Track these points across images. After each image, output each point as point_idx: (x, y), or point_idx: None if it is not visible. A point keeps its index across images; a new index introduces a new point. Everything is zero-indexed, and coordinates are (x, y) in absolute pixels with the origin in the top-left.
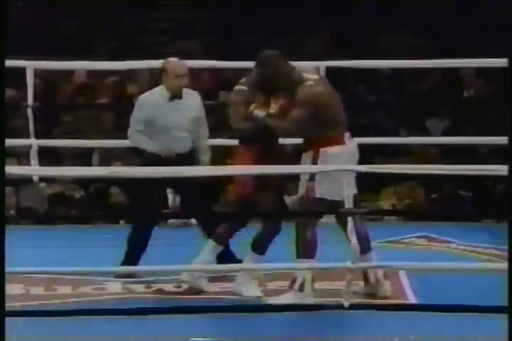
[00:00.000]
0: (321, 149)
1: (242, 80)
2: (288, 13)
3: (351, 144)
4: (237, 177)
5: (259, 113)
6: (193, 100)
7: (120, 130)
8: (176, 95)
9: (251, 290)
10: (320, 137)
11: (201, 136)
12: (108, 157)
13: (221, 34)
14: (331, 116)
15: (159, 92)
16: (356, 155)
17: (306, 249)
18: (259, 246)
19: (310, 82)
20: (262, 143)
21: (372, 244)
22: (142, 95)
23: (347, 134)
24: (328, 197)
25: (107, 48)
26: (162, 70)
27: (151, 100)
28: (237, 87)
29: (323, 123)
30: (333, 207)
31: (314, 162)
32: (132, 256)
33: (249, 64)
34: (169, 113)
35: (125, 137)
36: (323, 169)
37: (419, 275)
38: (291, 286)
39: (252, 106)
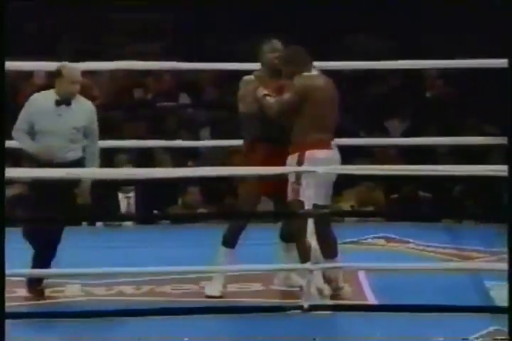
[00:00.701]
0: (307, 152)
1: (255, 72)
2: (248, 14)
3: (336, 151)
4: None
5: (260, 92)
6: (82, 109)
7: None
8: (64, 101)
9: (211, 290)
10: (307, 138)
11: (87, 147)
12: None
13: (182, 36)
14: (319, 114)
15: (48, 95)
16: (338, 163)
17: (330, 249)
18: (229, 241)
19: (310, 74)
20: (272, 141)
21: None
22: (34, 95)
23: (333, 142)
24: (313, 201)
25: (67, 49)
26: (57, 74)
27: (38, 102)
28: (246, 77)
29: (311, 120)
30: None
31: (299, 164)
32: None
33: (210, 65)
34: (51, 118)
35: None
36: (267, 171)
37: (379, 275)
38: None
39: (259, 89)
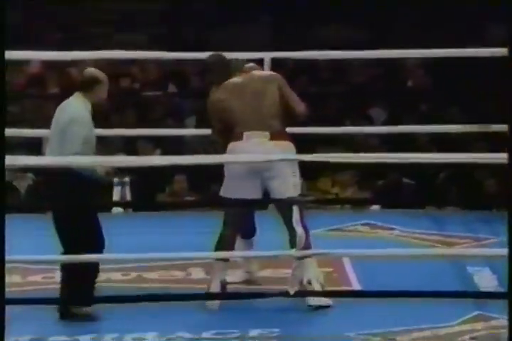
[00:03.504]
0: (227, 149)
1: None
2: (231, 4)
3: (251, 143)
4: None
5: None
6: None
7: None
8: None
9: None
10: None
11: None
12: None
13: (165, 26)
14: (227, 117)
15: (81, 103)
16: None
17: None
18: (245, 232)
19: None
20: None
21: (316, 232)
22: (75, 109)
23: (256, 132)
24: (230, 196)
25: (51, 39)
26: (94, 81)
27: (82, 112)
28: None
29: (225, 123)
30: (239, 206)
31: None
32: None
33: (196, 55)
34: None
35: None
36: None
37: (363, 262)
38: None
39: None
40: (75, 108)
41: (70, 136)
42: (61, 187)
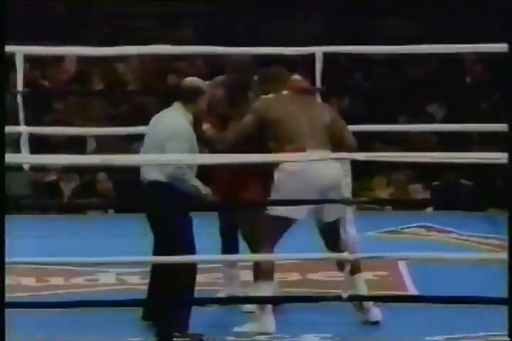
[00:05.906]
0: (280, 166)
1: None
2: None
3: (321, 163)
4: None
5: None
6: None
7: (113, 118)
8: None
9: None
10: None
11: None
12: (104, 145)
13: (213, 19)
14: (282, 131)
15: (181, 115)
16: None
17: (266, 271)
18: None
19: (265, 96)
20: None
21: (371, 233)
22: (176, 122)
23: (320, 151)
24: (283, 215)
25: (96, 34)
26: (197, 91)
27: (186, 126)
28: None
29: (277, 137)
30: (289, 226)
31: (274, 181)
32: None
33: (244, 50)
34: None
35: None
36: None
37: (420, 265)
38: None
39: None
40: (176, 121)
41: (170, 152)
42: (160, 198)
